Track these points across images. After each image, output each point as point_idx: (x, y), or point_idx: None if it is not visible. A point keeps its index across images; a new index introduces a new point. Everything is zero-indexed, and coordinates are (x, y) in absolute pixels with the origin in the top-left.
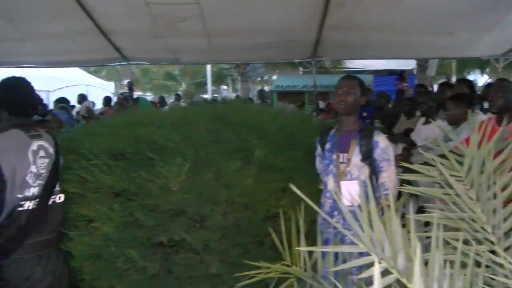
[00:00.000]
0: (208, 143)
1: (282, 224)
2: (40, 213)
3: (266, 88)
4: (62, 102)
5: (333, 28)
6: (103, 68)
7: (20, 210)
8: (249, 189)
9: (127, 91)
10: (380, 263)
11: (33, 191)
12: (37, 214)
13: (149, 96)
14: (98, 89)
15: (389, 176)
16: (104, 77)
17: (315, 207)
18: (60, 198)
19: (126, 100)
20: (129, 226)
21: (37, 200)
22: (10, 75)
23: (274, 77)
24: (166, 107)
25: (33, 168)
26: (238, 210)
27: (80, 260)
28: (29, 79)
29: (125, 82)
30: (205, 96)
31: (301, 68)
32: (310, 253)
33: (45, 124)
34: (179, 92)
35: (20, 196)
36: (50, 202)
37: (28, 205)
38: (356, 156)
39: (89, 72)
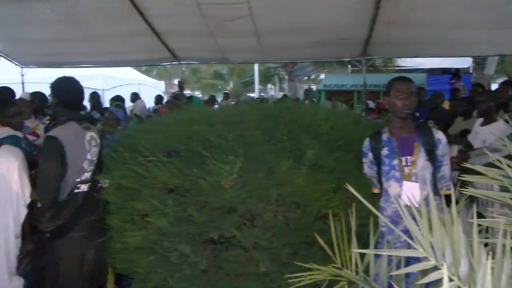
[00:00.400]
0: (260, 141)
1: (332, 225)
2: (92, 195)
3: (313, 87)
4: (117, 100)
5: (385, 25)
6: (154, 68)
7: (77, 192)
8: (300, 188)
9: (178, 90)
10: (440, 269)
11: (87, 175)
12: (90, 195)
13: (198, 95)
14: (150, 88)
15: (448, 168)
16: (155, 76)
17: (375, 211)
18: (105, 183)
19: (177, 99)
20: (182, 222)
21: (89, 183)
22: (70, 74)
23: (322, 76)
24: (216, 106)
25: (88, 156)
26: (289, 210)
27: (135, 253)
28: (86, 78)
29: (175, 81)
30: (252, 95)
31: (350, 67)
32: (362, 255)
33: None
34: (227, 91)
35: (77, 180)
36: (97, 187)
37: (83, 187)
38: (421, 157)
39: (141, 72)
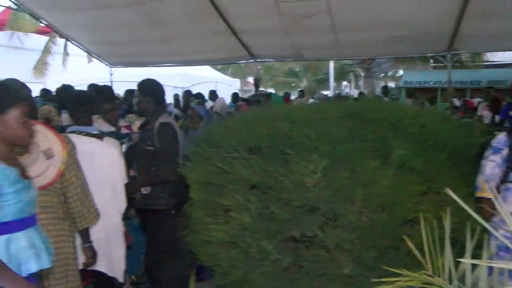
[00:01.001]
0: (344, 140)
1: (423, 229)
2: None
3: (390, 84)
4: (199, 97)
5: (475, 18)
6: (229, 66)
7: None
8: (386, 190)
9: (254, 87)
10: None
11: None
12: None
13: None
14: (225, 86)
15: None
16: (230, 74)
17: (477, 217)
18: None
19: (260, 96)
20: (264, 218)
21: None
22: (152, 73)
23: (401, 72)
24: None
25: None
26: (374, 211)
27: (217, 247)
28: (166, 77)
29: (249, 79)
30: (326, 92)
31: (431, 62)
32: (456, 263)
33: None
34: (301, 89)
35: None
36: None
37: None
38: None
39: (217, 70)
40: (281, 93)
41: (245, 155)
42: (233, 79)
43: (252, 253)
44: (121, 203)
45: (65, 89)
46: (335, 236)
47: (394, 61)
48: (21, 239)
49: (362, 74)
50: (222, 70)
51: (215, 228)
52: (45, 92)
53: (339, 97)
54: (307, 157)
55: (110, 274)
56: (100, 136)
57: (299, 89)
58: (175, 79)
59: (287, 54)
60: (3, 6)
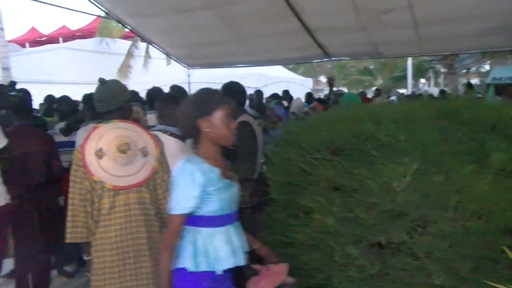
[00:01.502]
0: (436, 142)
1: None
2: None
3: (473, 80)
4: (276, 97)
5: None
6: (301, 65)
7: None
8: (483, 196)
9: (326, 86)
10: None
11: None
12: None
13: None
14: (298, 85)
15: None
16: (301, 73)
17: None
18: None
19: (337, 96)
20: (348, 222)
21: None
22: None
23: (487, 68)
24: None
25: None
26: (469, 219)
27: (300, 249)
28: (241, 77)
29: (321, 78)
30: (402, 91)
31: None
32: None
33: None
34: (377, 87)
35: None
36: None
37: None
38: None
39: (289, 69)
40: (353, 92)
41: (328, 156)
42: (305, 78)
43: (335, 257)
44: None
45: (156, 91)
46: (425, 243)
47: (481, 56)
48: (220, 235)
49: (442, 70)
50: (293, 70)
51: (297, 229)
52: (132, 93)
53: (413, 95)
54: (395, 159)
55: None
56: (183, 136)
57: (375, 88)
58: (249, 80)
59: (363, 52)
60: (94, 15)
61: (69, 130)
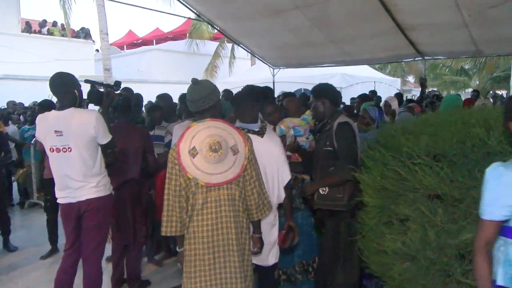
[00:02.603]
0: None
1: None
2: None
3: None
4: (364, 98)
5: None
6: (388, 65)
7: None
8: None
9: (415, 87)
10: None
11: None
12: None
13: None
14: (385, 86)
15: None
16: (388, 73)
17: None
18: None
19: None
20: (450, 234)
21: None
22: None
23: None
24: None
25: None
26: None
27: (392, 258)
28: (327, 77)
29: (409, 78)
30: (501, 92)
31: None
32: None
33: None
34: (475, 89)
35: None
36: None
37: None
38: None
39: (375, 69)
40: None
41: (429, 162)
42: (393, 78)
43: (432, 270)
44: (279, 200)
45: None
46: None
47: None
48: None
49: None
50: (380, 70)
51: (391, 237)
52: (225, 92)
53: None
54: None
55: (259, 264)
56: (260, 132)
57: (472, 90)
58: (333, 80)
59: (462, 50)
60: (185, 17)
61: (151, 126)
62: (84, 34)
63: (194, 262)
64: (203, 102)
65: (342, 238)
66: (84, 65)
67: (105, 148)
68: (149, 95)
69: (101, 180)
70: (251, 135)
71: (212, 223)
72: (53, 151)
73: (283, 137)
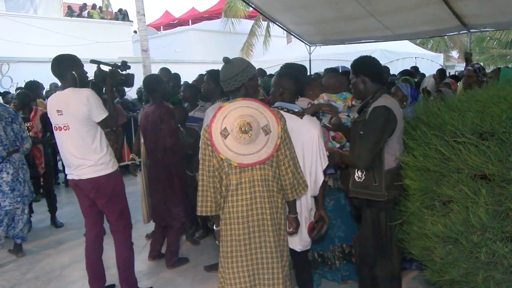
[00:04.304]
0: None
1: None
2: None
3: None
4: (406, 74)
5: None
6: (430, 40)
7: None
8: None
9: (461, 62)
10: None
11: None
12: None
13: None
14: (427, 61)
15: None
16: (430, 49)
17: None
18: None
19: (476, 72)
20: (497, 216)
21: None
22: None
23: None
24: None
25: None
26: None
27: (434, 241)
28: (364, 53)
29: (453, 53)
30: None
31: None
32: None
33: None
34: None
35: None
36: None
37: None
38: None
39: (417, 44)
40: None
41: (475, 141)
42: (435, 54)
43: (477, 254)
44: (316, 184)
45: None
46: None
47: None
48: None
49: None
50: (421, 45)
51: (433, 220)
52: (259, 70)
53: None
54: None
55: (298, 250)
56: (300, 113)
57: None
58: (374, 56)
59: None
60: None
61: (191, 105)
62: (122, 15)
63: (230, 242)
64: (235, 80)
65: (382, 229)
66: (122, 47)
67: (101, 125)
68: (187, 75)
69: (102, 158)
70: (290, 115)
71: (246, 204)
72: (56, 129)
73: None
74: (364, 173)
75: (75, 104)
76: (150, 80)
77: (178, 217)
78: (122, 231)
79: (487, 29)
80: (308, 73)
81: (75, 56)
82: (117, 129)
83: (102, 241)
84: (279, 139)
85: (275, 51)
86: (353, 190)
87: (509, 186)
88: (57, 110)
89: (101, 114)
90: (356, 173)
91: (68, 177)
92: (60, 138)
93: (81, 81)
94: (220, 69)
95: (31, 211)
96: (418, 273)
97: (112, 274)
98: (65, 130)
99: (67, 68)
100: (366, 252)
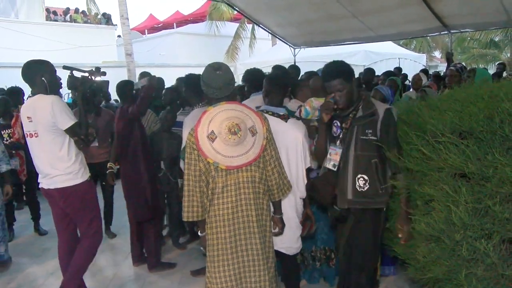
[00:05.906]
0: None
1: None
2: None
3: None
4: (390, 76)
5: None
6: (413, 41)
7: None
8: None
9: (443, 62)
10: None
11: None
12: None
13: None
14: (410, 62)
15: None
16: (413, 49)
17: None
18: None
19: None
20: (477, 214)
21: None
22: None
23: None
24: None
25: None
26: None
27: (417, 240)
28: (348, 55)
29: (436, 53)
30: None
31: None
32: None
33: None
34: (501, 62)
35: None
36: None
37: None
38: None
39: (400, 45)
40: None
41: (455, 140)
42: (418, 54)
43: (459, 252)
44: (300, 186)
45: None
46: None
47: None
48: None
49: None
50: (404, 46)
51: (415, 219)
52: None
53: None
54: None
55: (288, 253)
56: (285, 117)
57: (498, 62)
58: (356, 57)
59: (492, 21)
60: None
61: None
62: (106, 19)
63: (216, 246)
64: (228, 88)
65: (375, 235)
66: (106, 51)
67: (69, 133)
68: (172, 79)
69: (70, 167)
70: (275, 118)
71: (232, 206)
72: (27, 136)
73: (307, 124)
74: (368, 181)
75: (41, 111)
76: (119, 85)
77: (158, 207)
78: (90, 237)
79: (467, 30)
80: None
81: (46, 61)
82: (87, 138)
83: (74, 250)
84: (265, 139)
85: (260, 54)
86: (354, 201)
87: (487, 184)
88: (27, 117)
89: (67, 121)
90: (357, 182)
91: (40, 185)
92: (31, 145)
93: (51, 87)
94: (202, 74)
95: (13, 219)
96: (403, 273)
97: (99, 281)
98: (36, 137)
99: (36, 73)
100: (367, 258)
